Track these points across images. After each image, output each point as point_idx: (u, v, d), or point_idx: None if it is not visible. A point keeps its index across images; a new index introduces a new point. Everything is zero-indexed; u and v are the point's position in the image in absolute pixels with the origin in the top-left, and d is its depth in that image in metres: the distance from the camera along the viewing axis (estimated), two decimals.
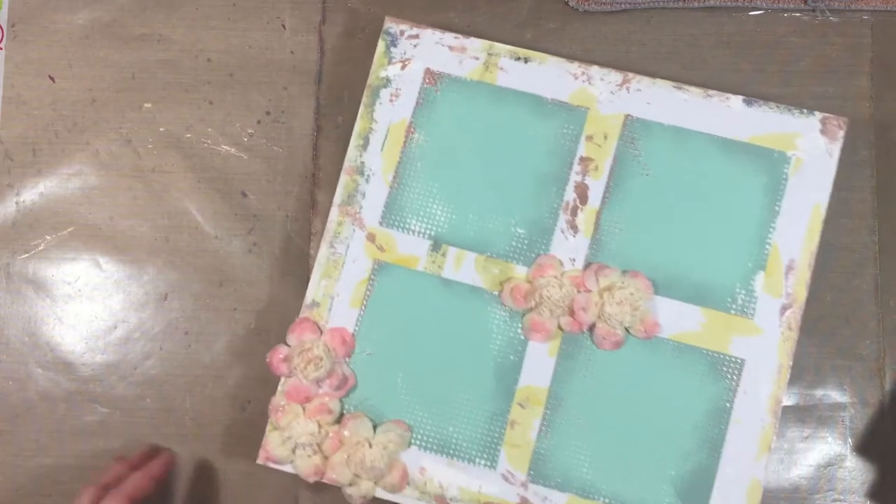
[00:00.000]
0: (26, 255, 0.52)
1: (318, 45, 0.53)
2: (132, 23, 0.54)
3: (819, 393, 0.49)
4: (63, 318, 0.52)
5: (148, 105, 0.53)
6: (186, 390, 0.51)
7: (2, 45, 0.54)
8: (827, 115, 0.47)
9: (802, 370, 0.49)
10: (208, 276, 0.52)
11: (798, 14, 0.52)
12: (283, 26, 0.54)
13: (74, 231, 0.52)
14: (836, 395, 0.49)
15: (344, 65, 0.53)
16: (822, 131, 0.46)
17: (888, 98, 0.51)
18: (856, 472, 0.49)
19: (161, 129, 0.53)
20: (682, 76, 0.51)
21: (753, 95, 0.49)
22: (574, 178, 0.46)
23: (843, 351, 0.49)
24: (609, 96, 0.47)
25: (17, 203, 0.53)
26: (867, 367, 0.49)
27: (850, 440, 0.49)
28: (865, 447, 0.49)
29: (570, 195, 0.46)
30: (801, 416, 0.49)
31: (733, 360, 0.45)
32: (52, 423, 0.51)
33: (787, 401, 0.49)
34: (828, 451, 0.49)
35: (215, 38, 0.54)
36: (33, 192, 0.53)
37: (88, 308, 0.52)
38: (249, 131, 0.53)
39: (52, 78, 0.54)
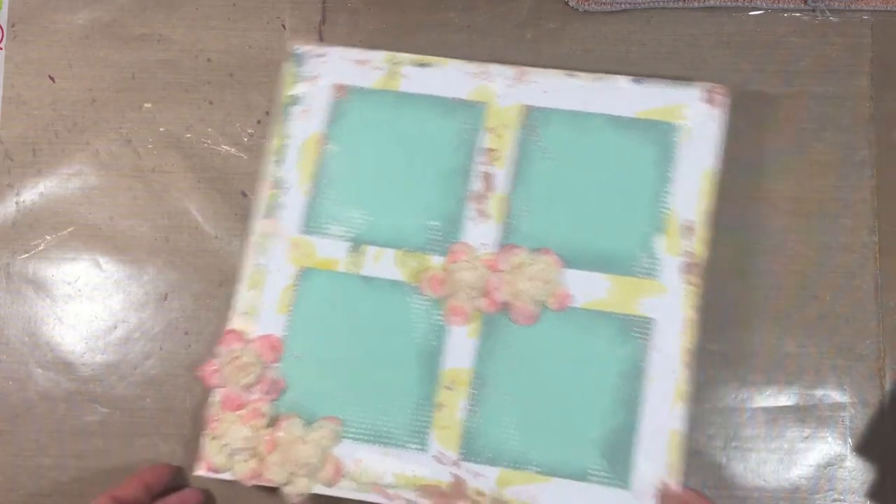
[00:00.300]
0: (26, 255, 0.52)
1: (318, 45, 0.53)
2: (132, 23, 0.54)
3: (819, 393, 0.49)
4: (63, 318, 0.52)
5: (148, 105, 0.53)
6: (186, 390, 0.51)
7: (2, 45, 0.54)
8: (710, 84, 0.49)
9: (802, 370, 0.49)
10: (208, 276, 0.52)
11: (798, 14, 0.52)
12: (283, 26, 0.54)
13: (74, 231, 0.52)
14: (836, 395, 0.49)
15: None
16: (706, 100, 0.48)
17: (888, 98, 0.51)
18: (856, 472, 0.49)
19: (161, 129, 0.53)
20: (683, 76, 0.51)
21: (753, 95, 0.49)
22: (480, 168, 0.49)
23: (843, 351, 0.49)
24: (507, 90, 0.49)
25: (17, 203, 0.53)
26: (867, 367, 0.49)
27: (850, 440, 0.49)
28: (865, 447, 0.49)
29: (477, 185, 0.49)
30: (801, 416, 0.49)
31: (643, 319, 0.46)
32: (52, 423, 0.51)
33: (787, 401, 0.49)
34: (828, 451, 0.49)
35: (215, 38, 0.54)
36: (33, 192, 0.53)
37: (88, 308, 0.52)
38: (249, 131, 0.53)
39: (52, 78, 0.54)
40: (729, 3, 0.52)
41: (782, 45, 0.52)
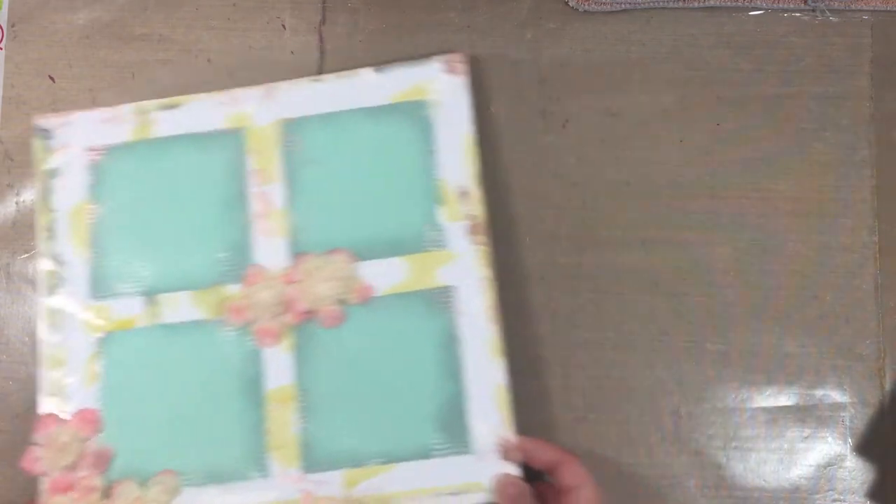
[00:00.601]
0: (26, 256, 0.52)
1: (318, 45, 0.53)
2: (132, 23, 0.54)
3: (819, 393, 0.49)
4: None
5: None
6: None
7: (2, 45, 0.54)
8: (448, 55, 0.50)
9: (802, 370, 0.49)
10: None
11: (798, 14, 0.52)
12: (283, 26, 0.54)
13: None
14: (836, 395, 0.49)
15: (344, 65, 0.53)
16: (447, 70, 0.50)
17: (888, 98, 0.51)
18: (856, 472, 0.49)
19: None
20: (683, 76, 0.51)
21: (752, 96, 0.49)
22: (253, 190, 0.49)
23: (843, 351, 0.49)
24: (259, 110, 0.50)
25: (17, 203, 0.53)
26: (867, 367, 0.49)
27: (850, 440, 0.49)
28: (865, 447, 0.49)
29: (255, 207, 0.49)
30: (801, 416, 0.49)
31: (443, 289, 0.48)
32: None
33: (787, 401, 0.49)
34: (828, 451, 0.49)
35: (215, 38, 0.54)
36: (33, 192, 0.53)
37: None
38: None
39: (52, 78, 0.54)
40: (729, 3, 0.52)
41: (782, 45, 0.52)
